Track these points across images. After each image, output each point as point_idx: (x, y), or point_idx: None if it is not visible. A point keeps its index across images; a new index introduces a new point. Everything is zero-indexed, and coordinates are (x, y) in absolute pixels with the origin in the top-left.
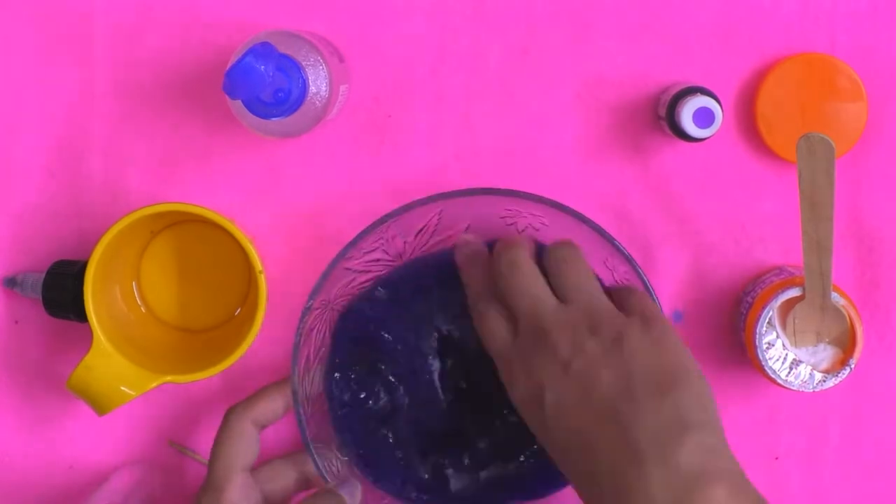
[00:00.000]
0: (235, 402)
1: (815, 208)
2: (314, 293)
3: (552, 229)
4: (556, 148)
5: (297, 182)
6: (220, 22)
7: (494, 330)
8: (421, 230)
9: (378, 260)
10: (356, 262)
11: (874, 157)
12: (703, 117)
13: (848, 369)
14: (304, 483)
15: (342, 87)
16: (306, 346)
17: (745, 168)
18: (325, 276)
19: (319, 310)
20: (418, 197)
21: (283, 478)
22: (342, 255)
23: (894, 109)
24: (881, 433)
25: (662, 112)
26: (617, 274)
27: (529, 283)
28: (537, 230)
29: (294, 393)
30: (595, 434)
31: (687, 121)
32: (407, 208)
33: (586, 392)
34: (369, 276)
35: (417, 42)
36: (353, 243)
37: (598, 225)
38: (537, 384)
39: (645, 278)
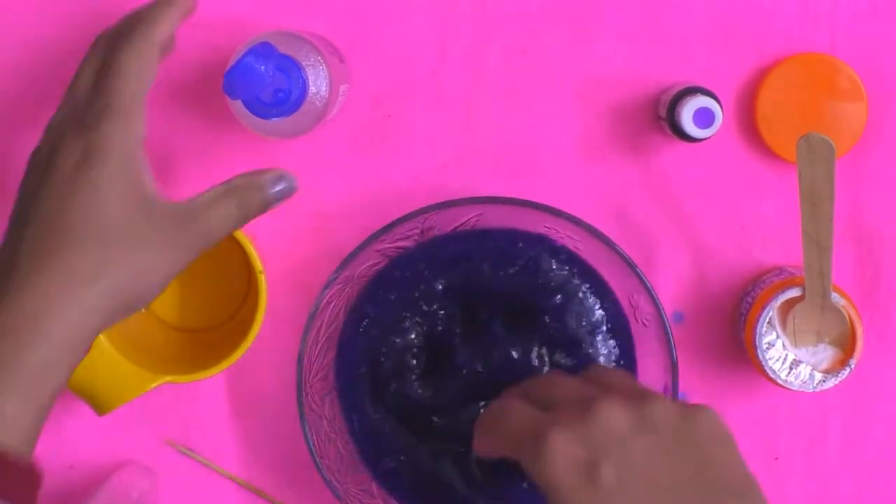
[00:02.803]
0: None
1: (815, 208)
2: (340, 268)
3: (584, 253)
4: (556, 148)
5: (298, 182)
6: (220, 22)
7: (508, 407)
8: (457, 227)
9: (407, 248)
10: (387, 245)
11: (874, 157)
12: (703, 117)
13: (848, 369)
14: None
15: (342, 87)
16: (320, 319)
17: (745, 168)
18: (354, 254)
19: (341, 285)
20: (419, 195)
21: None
22: (375, 237)
23: (894, 109)
24: (881, 433)
25: (662, 112)
26: (639, 313)
27: (564, 380)
28: (577, 249)
29: (300, 358)
30: None
31: (687, 121)
32: (449, 205)
33: (654, 471)
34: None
35: (417, 42)
36: (390, 228)
37: (627, 255)
38: (589, 456)
39: (667, 322)
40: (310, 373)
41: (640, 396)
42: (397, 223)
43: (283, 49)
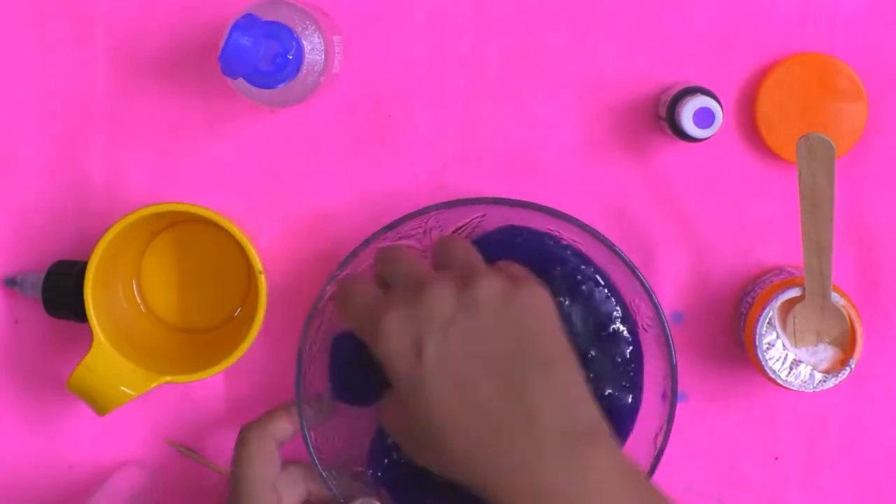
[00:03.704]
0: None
1: (815, 208)
2: (342, 265)
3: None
4: (556, 148)
5: (298, 182)
6: (221, 21)
7: (359, 290)
8: (460, 228)
9: (409, 247)
10: (390, 242)
11: (874, 157)
12: (703, 117)
13: (848, 369)
14: (308, 495)
15: (336, 38)
16: (320, 316)
17: (745, 168)
18: (356, 252)
19: None
20: (419, 195)
21: (292, 489)
22: (379, 234)
23: (894, 109)
24: (881, 433)
25: (662, 112)
26: (640, 316)
27: (408, 255)
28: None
29: (300, 351)
30: (485, 388)
31: (687, 121)
32: (453, 204)
33: (473, 348)
34: None
35: (417, 42)
36: (392, 226)
37: (629, 260)
38: (415, 335)
39: (666, 325)
40: (308, 369)
41: (470, 274)
42: (401, 221)
43: (267, 17)
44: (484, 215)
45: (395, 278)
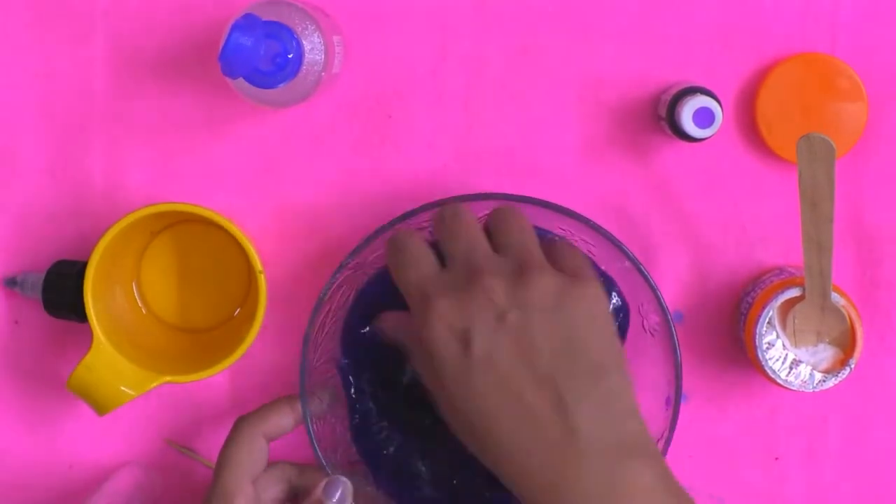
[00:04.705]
0: (238, 405)
1: (815, 208)
2: (353, 253)
3: (597, 258)
4: (556, 148)
5: (298, 182)
6: (221, 21)
7: (415, 257)
8: None
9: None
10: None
11: (874, 157)
12: (703, 117)
13: (848, 369)
14: (292, 494)
15: (336, 38)
16: (329, 303)
17: (745, 168)
18: (369, 240)
19: (352, 270)
20: (419, 195)
21: (274, 486)
22: (390, 226)
23: (894, 109)
24: (881, 433)
25: (662, 112)
26: (648, 322)
27: (468, 229)
28: (591, 253)
29: (306, 338)
30: (530, 394)
31: (687, 121)
32: (465, 198)
33: (521, 349)
34: None
35: (417, 42)
36: (403, 218)
37: (641, 265)
38: (465, 324)
39: (674, 332)
40: (314, 357)
41: (526, 268)
42: (413, 213)
43: (267, 17)
44: None
45: (453, 256)
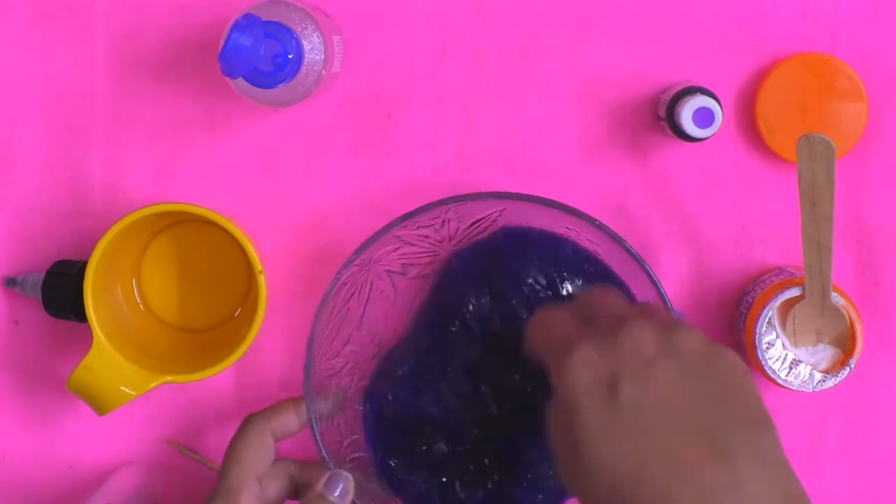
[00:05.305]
0: (239, 404)
1: (815, 208)
2: (359, 250)
3: (602, 258)
4: (556, 148)
5: (298, 182)
6: (221, 21)
7: (556, 316)
8: (478, 221)
9: (427, 237)
10: (407, 232)
11: (874, 157)
12: (703, 117)
13: (848, 369)
14: (294, 490)
15: (335, 38)
16: (334, 300)
17: (745, 168)
18: (375, 238)
19: (358, 267)
20: (419, 195)
21: (277, 482)
22: (397, 223)
23: (894, 109)
24: (881, 433)
25: (662, 112)
26: None
27: (614, 299)
28: (598, 254)
29: (311, 335)
30: (680, 438)
31: (687, 121)
32: (473, 197)
33: (673, 394)
34: (414, 248)
35: (417, 42)
36: (411, 215)
37: (648, 267)
38: (611, 372)
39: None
40: (319, 353)
41: (672, 325)
42: (420, 211)
43: (267, 17)
44: (504, 209)
45: (599, 315)
